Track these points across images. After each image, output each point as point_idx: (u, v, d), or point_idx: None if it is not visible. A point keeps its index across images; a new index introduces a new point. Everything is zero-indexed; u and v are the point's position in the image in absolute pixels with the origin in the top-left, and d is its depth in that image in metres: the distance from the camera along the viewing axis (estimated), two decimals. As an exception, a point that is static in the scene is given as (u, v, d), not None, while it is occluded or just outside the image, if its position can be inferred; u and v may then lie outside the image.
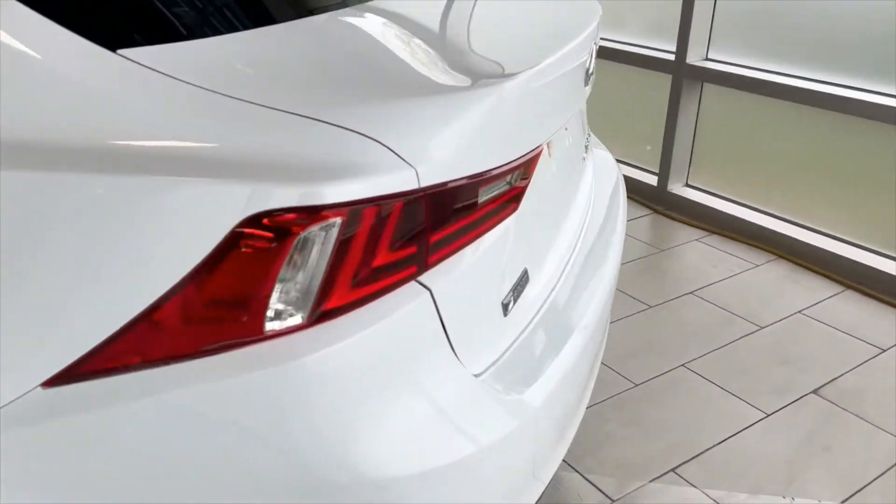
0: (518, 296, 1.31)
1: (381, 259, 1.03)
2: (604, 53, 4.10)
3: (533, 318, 1.37)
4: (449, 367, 1.11)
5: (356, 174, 0.97)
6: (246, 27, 1.16)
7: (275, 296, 0.96)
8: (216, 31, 1.12)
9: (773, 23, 3.40)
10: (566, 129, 1.74)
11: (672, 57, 3.73)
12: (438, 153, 1.06)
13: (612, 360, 2.63)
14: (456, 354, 1.12)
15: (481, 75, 1.21)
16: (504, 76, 1.19)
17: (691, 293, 3.08)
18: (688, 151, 3.88)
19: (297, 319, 0.98)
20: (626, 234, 3.59)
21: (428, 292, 1.08)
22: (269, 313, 0.96)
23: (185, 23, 1.12)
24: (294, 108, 1.00)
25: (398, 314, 1.05)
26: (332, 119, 1.00)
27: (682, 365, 2.62)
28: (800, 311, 2.96)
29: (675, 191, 3.88)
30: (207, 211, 0.92)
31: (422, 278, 1.08)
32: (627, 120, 4.19)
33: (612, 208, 1.92)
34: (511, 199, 1.26)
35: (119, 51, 0.99)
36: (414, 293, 1.07)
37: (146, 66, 1.00)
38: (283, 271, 0.96)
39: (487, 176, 1.15)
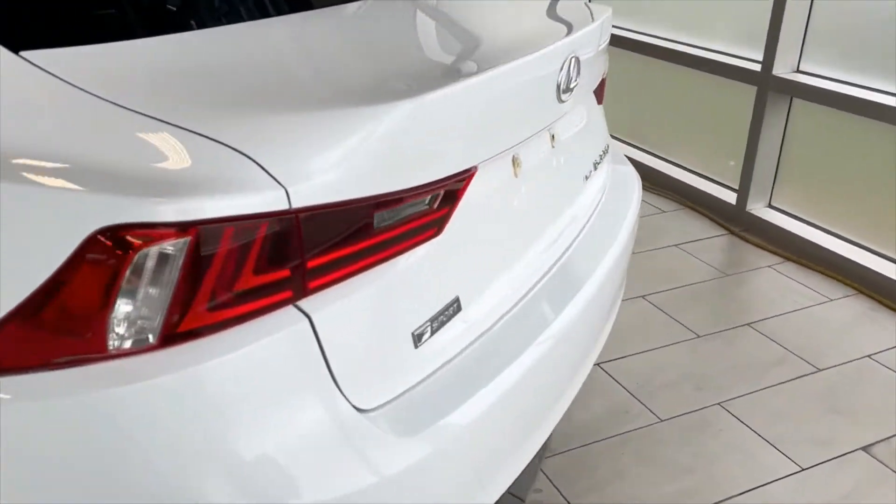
0: (440, 326, 1.22)
1: (244, 282, 0.97)
2: (683, 59, 3.86)
3: (465, 349, 1.27)
4: (327, 400, 1.03)
5: (216, 190, 0.92)
6: (155, 33, 1.13)
7: (118, 313, 0.92)
8: (126, 37, 1.10)
9: (877, 32, 3.08)
10: (553, 146, 1.62)
11: (758, 67, 3.46)
12: (318, 173, 0.98)
13: (639, 390, 2.46)
14: (339, 387, 1.04)
15: (388, 91, 1.12)
16: (414, 93, 1.10)
17: (748, 325, 2.84)
18: (772, 170, 3.59)
19: (147, 339, 0.93)
20: (691, 255, 3.37)
21: (307, 320, 1.01)
22: (115, 331, 0.92)
23: (92, 26, 1.10)
24: (168, 117, 0.96)
25: (268, 341, 0.98)
26: (205, 131, 0.95)
27: (719, 403, 2.42)
28: (868, 356, 2.67)
29: (754, 211, 3.60)
30: (62, 222, 0.89)
31: (301, 304, 1.01)
32: (707, 131, 3.93)
33: (615, 229, 1.78)
34: (429, 224, 1.17)
35: (21, 52, 0.99)
36: (289, 320, 1.00)
37: (40, 69, 0.99)
38: (127, 288, 0.91)
39: (385, 199, 1.07)
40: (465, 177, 1.23)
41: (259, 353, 0.97)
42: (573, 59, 1.50)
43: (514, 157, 1.46)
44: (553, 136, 1.62)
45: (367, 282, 1.08)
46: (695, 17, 3.93)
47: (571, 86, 1.51)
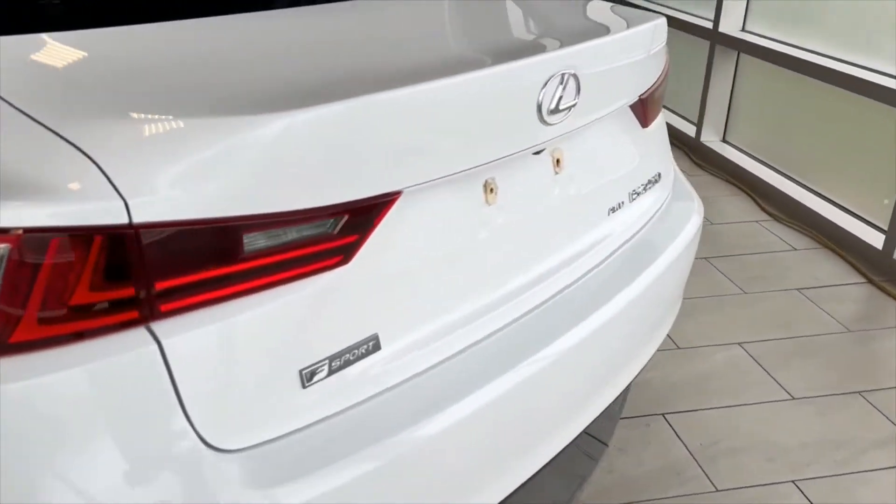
0: (345, 365, 1.09)
1: (80, 297, 0.89)
2: (826, 76, 3.40)
3: (380, 394, 1.13)
4: (174, 434, 0.94)
5: (44, 195, 0.85)
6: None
7: None
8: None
9: None
10: (557, 172, 1.43)
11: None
12: (169, 187, 0.89)
13: (701, 452, 2.18)
14: (190, 421, 0.95)
15: (280, 100, 0.99)
16: (307, 103, 0.97)
17: (859, 392, 2.44)
18: (931, 215, 3.08)
19: (-30, 348, 0.88)
20: (813, 302, 2.97)
21: (156, 344, 0.92)
22: None
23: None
24: (30, 111, 0.91)
25: (110, 362, 0.90)
26: (50, 123, 0.89)
27: (792, 481, 2.09)
28: None
29: (906, 260, 3.11)
30: None
31: (152, 326, 0.92)
32: (857, 159, 3.45)
33: (637, 271, 1.55)
34: (332, 251, 1.04)
35: None
36: (135, 342, 0.91)
37: None
38: None
39: (259, 221, 0.95)
40: (384, 201, 1.09)
41: (100, 374, 0.89)
42: (567, 76, 1.30)
43: (486, 181, 1.29)
44: (558, 161, 1.44)
45: (238, 310, 0.97)
46: (846, 28, 3.46)
47: (563, 106, 1.31)
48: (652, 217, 1.73)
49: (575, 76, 1.31)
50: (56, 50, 1.12)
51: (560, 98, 1.29)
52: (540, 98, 1.26)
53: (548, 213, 1.43)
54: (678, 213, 1.78)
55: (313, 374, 1.05)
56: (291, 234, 1.00)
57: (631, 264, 1.57)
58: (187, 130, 0.91)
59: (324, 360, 1.06)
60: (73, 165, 0.86)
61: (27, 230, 0.85)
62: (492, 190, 1.30)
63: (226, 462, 0.97)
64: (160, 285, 0.91)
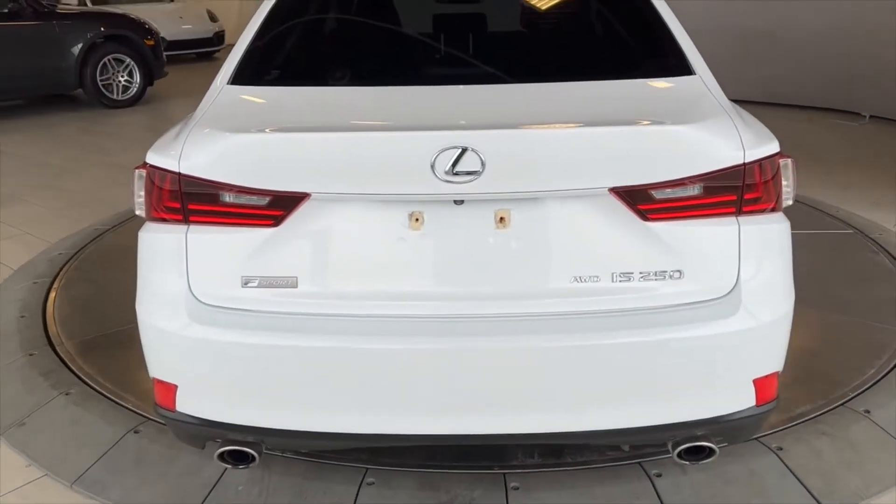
0: (268, 286, 1.99)
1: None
2: None
3: (289, 314, 1.96)
4: (180, 284, 2.00)
5: None
6: None
7: None
8: None
9: None
10: (500, 227, 1.90)
11: None
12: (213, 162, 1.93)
13: None
14: (189, 283, 1.99)
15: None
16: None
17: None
18: None
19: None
20: None
21: (184, 235, 1.98)
22: None
23: None
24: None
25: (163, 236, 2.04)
26: None
27: None
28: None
29: None
30: None
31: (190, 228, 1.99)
32: None
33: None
34: (270, 217, 1.93)
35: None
36: (174, 231, 2.00)
37: None
38: None
39: (234, 188, 1.94)
40: (298, 196, 1.89)
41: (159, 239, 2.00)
42: (466, 150, 1.80)
43: (413, 212, 1.90)
44: (502, 219, 1.89)
45: (220, 231, 1.93)
46: None
47: (462, 170, 1.81)
48: (659, 308, 1.92)
49: (475, 151, 1.81)
50: None
51: (454, 164, 1.80)
52: (433, 161, 1.81)
53: (475, 253, 1.92)
54: (702, 318, 1.93)
55: (248, 281, 1.94)
56: (250, 199, 1.89)
57: (577, 328, 1.88)
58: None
59: (256, 276, 1.93)
60: None
61: None
62: (417, 219, 1.90)
63: (199, 307, 1.94)
64: (191, 206, 1.93)
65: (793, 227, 2.07)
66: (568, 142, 1.86)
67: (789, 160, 2.01)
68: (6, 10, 7.92)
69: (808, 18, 7.84)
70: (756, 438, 2.58)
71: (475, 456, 2.46)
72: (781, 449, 2.54)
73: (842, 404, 2.79)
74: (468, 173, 1.82)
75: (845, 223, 4.63)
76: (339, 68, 2.40)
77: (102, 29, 8.58)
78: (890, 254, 4.15)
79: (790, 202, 2.05)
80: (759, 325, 1.93)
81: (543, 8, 2.82)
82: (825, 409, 2.76)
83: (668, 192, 1.88)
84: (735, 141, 1.90)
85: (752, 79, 8.44)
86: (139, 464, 2.51)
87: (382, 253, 1.93)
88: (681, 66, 2.26)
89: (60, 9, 8.87)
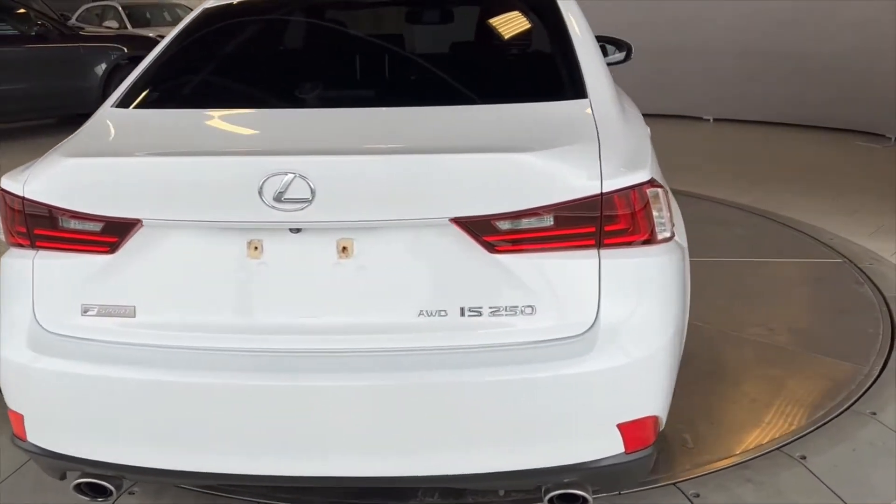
0: (107, 314, 1.92)
1: None
2: None
3: (128, 343, 1.88)
4: (25, 310, 1.95)
5: None
6: None
7: None
8: None
9: None
10: (341, 258, 1.82)
11: None
12: None
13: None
14: (34, 311, 1.95)
15: None
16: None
17: None
18: None
19: None
20: None
21: (31, 261, 1.95)
22: None
23: None
24: None
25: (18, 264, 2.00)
26: None
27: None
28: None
29: None
30: None
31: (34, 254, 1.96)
32: None
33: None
34: (106, 242, 1.88)
35: None
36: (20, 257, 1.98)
37: None
38: None
39: (74, 214, 1.90)
40: (130, 223, 1.84)
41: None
42: (294, 177, 1.72)
43: (251, 241, 1.82)
44: (344, 248, 1.81)
45: (66, 257, 1.90)
46: None
47: (290, 198, 1.73)
48: (509, 345, 1.81)
49: (303, 177, 1.73)
50: None
51: (282, 192, 1.72)
52: (261, 186, 1.73)
53: (317, 284, 1.84)
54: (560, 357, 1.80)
55: (87, 309, 1.89)
56: (86, 224, 1.85)
57: (422, 365, 1.78)
58: None
59: (95, 304, 1.88)
60: None
61: None
62: (256, 248, 1.83)
63: (43, 335, 1.89)
64: (37, 231, 1.90)
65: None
66: (404, 169, 1.77)
67: (659, 190, 1.87)
68: (33, 33, 8.22)
69: (834, 39, 7.56)
70: (673, 483, 2.43)
71: (374, 494, 2.36)
72: (698, 496, 2.37)
73: (776, 449, 2.60)
74: (297, 201, 1.74)
75: (837, 252, 4.39)
76: (222, 91, 2.36)
77: (126, 51, 8.81)
78: (875, 285, 3.90)
79: (668, 234, 1.92)
80: (622, 365, 1.79)
81: (444, 30, 2.74)
82: (757, 455, 2.58)
83: (516, 224, 1.77)
84: (591, 170, 1.78)
85: (777, 100, 8.18)
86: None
87: (222, 282, 1.86)
88: (574, 90, 2.15)
89: (86, 31, 9.17)
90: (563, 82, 2.21)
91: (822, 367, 3.10)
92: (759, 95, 8.32)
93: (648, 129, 2.86)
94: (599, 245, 1.80)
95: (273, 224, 1.79)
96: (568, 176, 1.76)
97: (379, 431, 1.79)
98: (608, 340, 1.78)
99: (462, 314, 1.79)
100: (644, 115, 2.35)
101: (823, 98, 7.76)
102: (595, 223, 1.78)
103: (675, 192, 2.08)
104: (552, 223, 1.76)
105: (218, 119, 2.17)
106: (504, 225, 1.76)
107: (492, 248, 1.77)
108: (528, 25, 2.59)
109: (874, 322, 3.48)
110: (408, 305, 1.81)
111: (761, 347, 3.27)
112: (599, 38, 4.57)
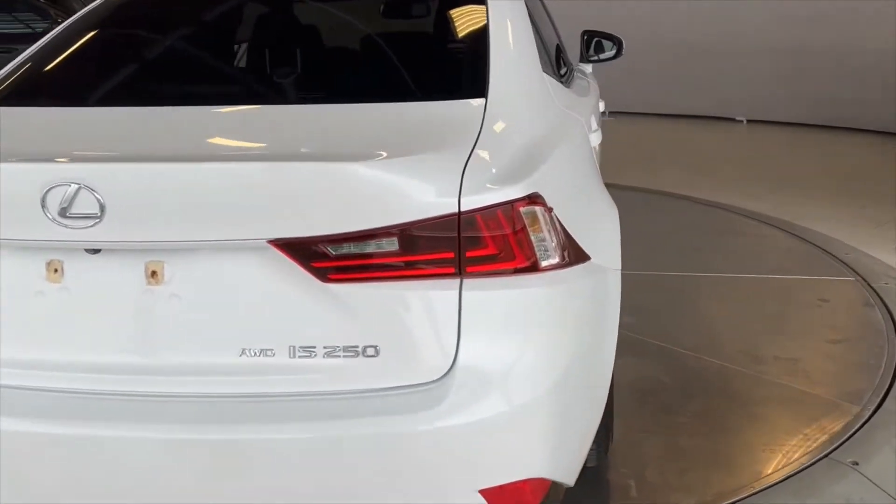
0: None
1: None
2: None
3: None
4: None
5: None
6: None
7: None
8: None
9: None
10: (150, 283, 1.52)
11: None
12: None
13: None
14: None
15: None
16: None
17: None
18: None
19: None
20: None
21: None
22: None
23: None
24: None
25: None
26: None
27: None
28: None
29: None
30: None
31: None
32: None
33: None
34: None
35: None
36: None
37: None
38: None
39: None
40: None
41: None
42: (78, 188, 1.45)
43: (50, 261, 1.54)
44: (154, 273, 1.52)
45: None
46: None
47: (74, 212, 1.46)
48: (347, 393, 1.52)
49: (90, 189, 1.44)
50: None
51: (66, 206, 1.44)
52: (42, 198, 1.44)
53: (123, 314, 1.55)
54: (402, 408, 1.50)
55: None
56: None
57: (239, 416, 1.50)
58: None
59: None
60: None
61: None
62: (56, 270, 1.54)
63: None
64: None
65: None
66: (211, 180, 1.48)
67: (537, 208, 1.55)
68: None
69: (876, 35, 7.03)
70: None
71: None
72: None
73: (738, 501, 2.25)
74: (85, 216, 1.46)
75: (850, 268, 3.95)
76: (89, 87, 2.09)
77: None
78: (888, 308, 3.47)
79: (556, 260, 1.59)
80: (483, 418, 1.48)
81: (344, 22, 2.42)
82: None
83: (354, 248, 1.47)
84: (449, 183, 1.46)
85: (814, 100, 7.67)
86: None
87: (19, 309, 1.58)
88: (473, 88, 1.84)
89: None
90: (463, 80, 1.91)
91: (805, 405, 2.72)
92: (794, 96, 7.82)
93: (595, 137, 2.52)
94: (461, 274, 1.49)
95: (64, 243, 1.51)
96: (416, 190, 1.46)
97: (192, 492, 1.51)
98: (467, 389, 1.47)
99: (292, 354, 1.49)
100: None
101: (864, 99, 7.23)
102: (454, 247, 1.47)
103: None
104: (397, 247, 1.46)
105: (17, 118, 1.89)
106: (337, 249, 1.46)
107: (324, 276, 1.47)
108: (441, 19, 2.28)
109: (877, 352, 3.07)
110: (228, 342, 1.52)
111: (740, 379, 2.89)
112: (591, 34, 4.27)
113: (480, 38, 1.99)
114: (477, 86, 1.84)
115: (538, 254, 1.54)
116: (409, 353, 1.49)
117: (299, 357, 1.49)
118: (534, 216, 1.53)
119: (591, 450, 2.11)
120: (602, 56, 4.23)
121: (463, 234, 1.47)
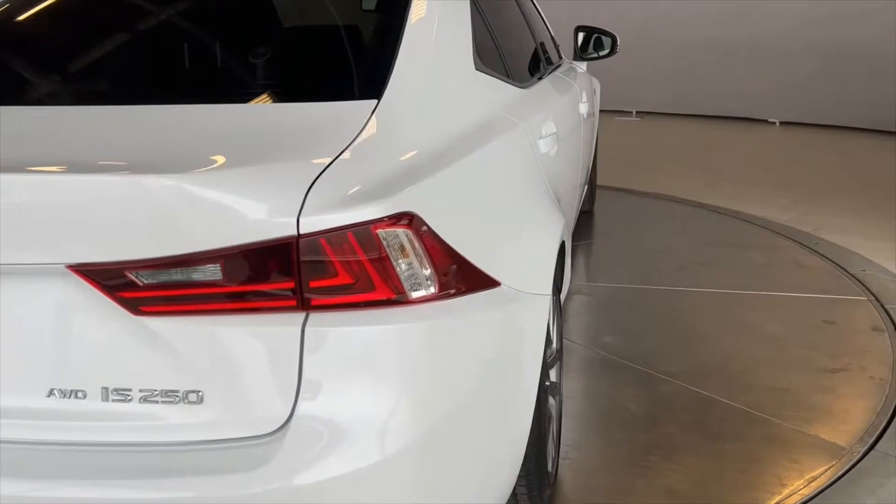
0: None
1: None
2: None
3: None
4: None
5: None
6: None
7: None
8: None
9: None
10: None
11: None
12: None
13: None
14: None
15: None
16: None
17: None
18: None
19: None
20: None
21: None
22: None
23: None
24: None
25: None
26: None
27: None
28: None
29: None
30: None
31: None
32: None
33: None
34: None
35: None
36: None
37: None
38: None
39: None
40: None
41: None
42: None
43: None
44: None
45: None
46: None
47: None
48: (165, 445, 1.32)
49: None
50: None
51: None
52: None
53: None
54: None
55: None
56: None
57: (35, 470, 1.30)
58: None
59: None
60: None
61: None
62: None
63: None
64: None
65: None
66: (3, 195, 1.26)
67: (400, 230, 1.32)
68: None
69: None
70: None
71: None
72: None
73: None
74: None
75: (864, 287, 3.62)
76: None
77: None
78: (898, 331, 3.14)
79: (432, 289, 1.36)
80: (326, 479, 1.26)
81: (244, 15, 2.16)
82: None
83: (170, 275, 1.26)
84: (288, 201, 1.24)
85: (851, 102, 7.26)
86: None
87: None
88: (368, 90, 1.62)
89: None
90: (358, 79, 1.69)
91: (785, 443, 2.42)
92: (830, 97, 7.40)
93: (549, 142, 2.28)
94: (305, 307, 1.27)
95: None
96: (249, 209, 1.24)
97: None
98: (305, 443, 1.25)
99: (105, 397, 1.29)
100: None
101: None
102: (293, 276, 1.26)
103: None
104: (221, 276, 1.25)
105: None
106: (148, 277, 1.25)
107: (134, 308, 1.26)
108: (349, 11, 2.06)
109: (878, 385, 2.75)
110: (35, 381, 1.32)
111: (721, 409, 2.61)
112: (587, 30, 4.00)
113: (391, 33, 1.77)
114: (373, 86, 1.62)
115: (405, 284, 1.31)
116: (239, 401, 1.28)
117: (113, 401, 1.29)
118: (396, 240, 1.30)
119: (522, 492, 1.89)
120: (601, 53, 3.98)
121: (302, 260, 1.25)
